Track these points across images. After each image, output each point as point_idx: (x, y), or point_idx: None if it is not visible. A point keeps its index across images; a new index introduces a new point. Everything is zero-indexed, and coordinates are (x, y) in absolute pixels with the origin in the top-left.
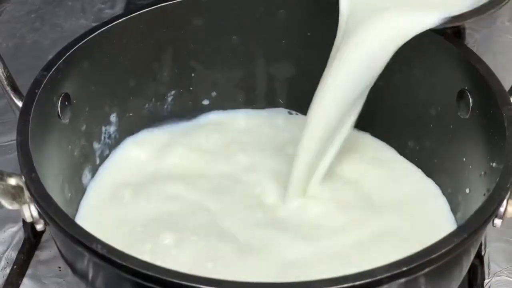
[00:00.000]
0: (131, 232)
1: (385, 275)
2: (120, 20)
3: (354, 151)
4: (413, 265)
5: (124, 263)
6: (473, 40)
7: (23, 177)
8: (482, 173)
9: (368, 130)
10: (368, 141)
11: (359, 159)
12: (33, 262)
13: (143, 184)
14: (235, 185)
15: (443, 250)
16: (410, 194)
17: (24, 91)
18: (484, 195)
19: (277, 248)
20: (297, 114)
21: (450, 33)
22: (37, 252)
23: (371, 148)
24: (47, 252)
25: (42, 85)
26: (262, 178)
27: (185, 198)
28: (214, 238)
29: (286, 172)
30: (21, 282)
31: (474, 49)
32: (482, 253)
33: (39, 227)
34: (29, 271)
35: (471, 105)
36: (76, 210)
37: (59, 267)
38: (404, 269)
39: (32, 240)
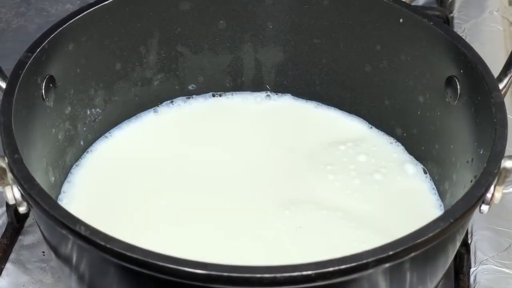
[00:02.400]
0: (114, 216)
1: (371, 259)
2: (106, 2)
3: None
4: (399, 250)
5: (107, 245)
6: (462, 29)
7: (6, 158)
8: (470, 159)
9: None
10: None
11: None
12: (16, 247)
13: (128, 169)
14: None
15: (430, 235)
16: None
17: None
18: (471, 181)
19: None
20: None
21: (439, 20)
22: (20, 237)
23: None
24: (31, 237)
25: (26, 66)
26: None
27: (169, 184)
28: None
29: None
30: (4, 267)
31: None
32: (469, 242)
33: (22, 209)
34: (12, 256)
35: (459, 91)
36: (60, 193)
37: (43, 252)
38: (390, 253)
39: (15, 225)
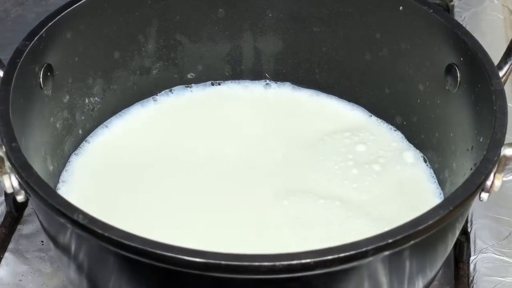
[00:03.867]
0: (113, 205)
1: (370, 247)
2: None
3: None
4: (398, 237)
5: (106, 234)
6: (462, 18)
7: (3, 147)
8: (469, 147)
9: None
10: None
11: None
12: (15, 236)
13: (126, 158)
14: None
15: (429, 223)
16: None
17: None
18: (471, 169)
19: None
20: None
21: (439, 8)
22: (19, 226)
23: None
24: (30, 226)
25: (24, 54)
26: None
27: (167, 173)
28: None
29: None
30: (2, 256)
31: None
32: (469, 230)
33: (20, 198)
34: (11, 245)
35: (459, 79)
36: (58, 182)
37: (42, 241)
38: (390, 241)
39: (14, 214)
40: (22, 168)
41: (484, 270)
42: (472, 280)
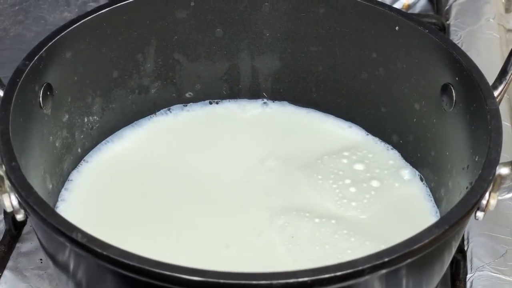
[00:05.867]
0: (112, 223)
1: (366, 265)
2: (103, 11)
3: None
4: (394, 256)
5: (104, 253)
6: (458, 36)
7: (3, 166)
8: (465, 166)
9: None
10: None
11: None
12: (14, 254)
13: (124, 176)
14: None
15: (425, 242)
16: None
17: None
18: (466, 188)
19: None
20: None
21: (435, 27)
22: (18, 244)
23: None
24: (29, 244)
25: (24, 74)
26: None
27: (165, 192)
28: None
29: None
30: (1, 274)
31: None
32: (465, 248)
33: (19, 217)
34: (10, 263)
35: (454, 99)
36: (57, 201)
37: (41, 260)
38: (386, 259)
39: (13, 232)
40: (22, 187)
41: None
42: None
